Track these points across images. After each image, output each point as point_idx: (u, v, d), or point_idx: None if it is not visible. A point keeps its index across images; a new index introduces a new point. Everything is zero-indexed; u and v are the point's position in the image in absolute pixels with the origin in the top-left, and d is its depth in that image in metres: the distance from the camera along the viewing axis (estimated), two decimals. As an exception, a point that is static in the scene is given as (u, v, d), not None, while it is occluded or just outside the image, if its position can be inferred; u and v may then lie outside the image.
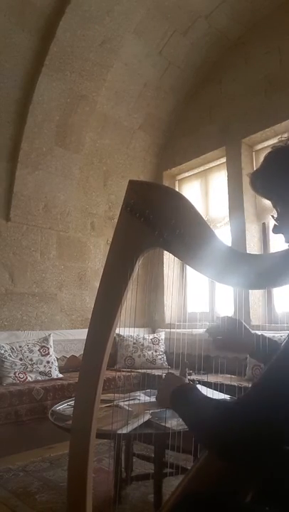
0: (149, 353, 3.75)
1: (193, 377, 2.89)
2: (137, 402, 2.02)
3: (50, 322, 3.78)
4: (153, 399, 2.13)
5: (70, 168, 3.88)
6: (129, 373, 3.43)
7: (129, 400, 2.05)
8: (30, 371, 3.10)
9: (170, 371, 1.08)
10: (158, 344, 3.82)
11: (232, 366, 3.05)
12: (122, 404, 1.95)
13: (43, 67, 3.32)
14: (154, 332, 4.20)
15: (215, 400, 0.91)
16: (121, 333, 3.77)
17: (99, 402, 1.07)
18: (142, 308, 4.38)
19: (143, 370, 3.54)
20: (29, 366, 3.10)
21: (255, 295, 3.56)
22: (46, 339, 3.35)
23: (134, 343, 3.76)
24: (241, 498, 0.88)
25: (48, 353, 3.26)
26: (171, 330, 4.04)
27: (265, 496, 0.89)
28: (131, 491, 2.09)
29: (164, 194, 1.09)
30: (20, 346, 3.17)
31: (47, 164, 3.70)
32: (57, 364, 3.33)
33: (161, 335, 3.92)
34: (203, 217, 1.05)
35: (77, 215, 4.07)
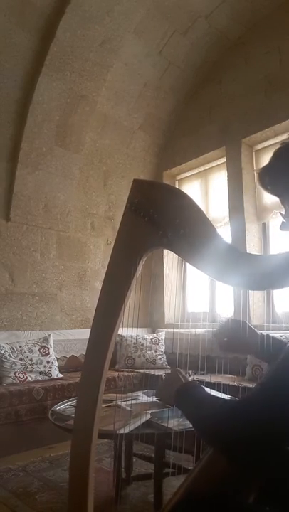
0: (149, 353, 3.75)
1: (194, 377, 2.89)
2: (137, 402, 2.02)
3: (50, 322, 3.78)
4: (153, 399, 2.13)
5: (70, 168, 3.88)
6: (129, 373, 3.43)
7: (129, 400, 2.05)
8: (30, 371, 3.10)
9: (176, 368, 1.08)
10: (158, 344, 3.81)
11: (232, 366, 3.05)
12: (122, 404, 1.95)
13: (43, 67, 3.32)
14: (154, 332, 4.20)
15: (219, 398, 0.91)
16: (121, 333, 3.77)
17: (101, 403, 1.07)
18: (142, 309, 4.38)
19: (143, 370, 3.54)
20: (29, 366, 3.10)
21: (255, 295, 3.57)
22: (46, 339, 3.35)
23: (134, 343, 3.76)
24: (244, 498, 0.88)
25: (48, 353, 3.26)
26: (172, 330, 4.04)
27: (266, 496, 0.89)
28: (131, 491, 2.09)
29: (169, 193, 1.09)
30: (20, 346, 3.17)
31: (47, 164, 3.70)
32: (57, 364, 3.33)
33: (161, 335, 3.92)
34: (206, 217, 1.05)
35: (77, 215, 4.07)
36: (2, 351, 3.05)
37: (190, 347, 3.11)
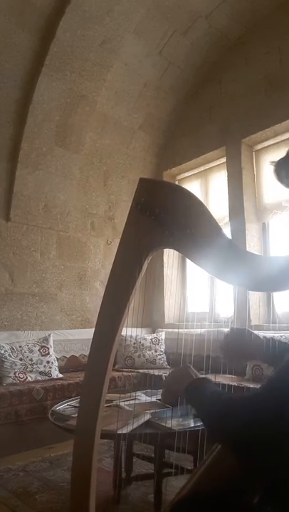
0: (149, 353, 3.75)
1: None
2: (137, 402, 2.02)
3: (50, 322, 3.78)
4: (152, 399, 2.13)
5: (70, 168, 3.88)
6: (129, 373, 3.43)
7: (129, 400, 2.05)
8: (30, 371, 3.10)
9: (187, 364, 1.08)
10: (158, 344, 3.81)
11: (232, 366, 3.05)
12: (122, 404, 1.95)
13: (43, 67, 3.32)
14: (154, 332, 4.20)
15: (229, 394, 0.90)
16: (121, 333, 3.76)
17: (104, 403, 1.06)
18: (142, 308, 4.37)
19: (143, 370, 3.54)
20: (29, 366, 3.10)
21: (256, 295, 3.56)
22: (46, 339, 3.35)
23: (134, 343, 3.76)
24: (249, 498, 0.88)
25: (48, 353, 3.26)
26: (171, 330, 4.04)
27: (268, 496, 0.89)
28: (131, 491, 2.09)
29: (175, 192, 1.08)
30: (20, 346, 3.17)
31: (47, 164, 3.70)
32: (57, 364, 3.33)
33: (161, 335, 3.92)
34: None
35: (77, 215, 4.07)
36: (2, 351, 3.05)
37: (190, 347, 3.11)
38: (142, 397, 2.14)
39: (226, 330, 1.25)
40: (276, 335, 2.75)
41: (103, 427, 1.56)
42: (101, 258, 4.24)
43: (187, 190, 1.08)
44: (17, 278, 3.61)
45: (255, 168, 3.84)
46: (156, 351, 3.77)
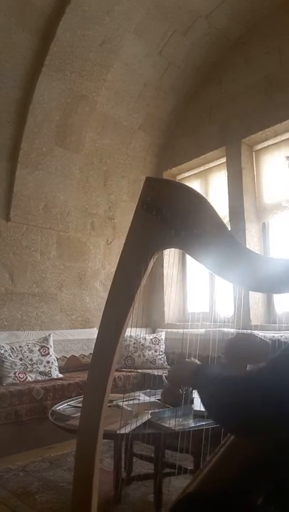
0: (149, 353, 3.75)
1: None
2: (137, 402, 2.02)
3: (50, 322, 3.78)
4: (153, 399, 2.13)
5: (70, 168, 3.88)
6: (129, 373, 3.43)
7: (129, 400, 2.05)
8: (30, 371, 3.10)
9: (192, 358, 1.07)
10: (158, 344, 3.82)
11: (233, 368, 3.04)
12: (122, 404, 1.95)
13: (43, 67, 3.32)
14: (154, 332, 4.21)
15: (236, 377, 0.89)
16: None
17: (107, 403, 1.06)
18: (142, 309, 4.38)
19: (143, 370, 3.54)
20: (29, 366, 3.10)
21: (255, 295, 3.56)
22: (46, 339, 3.35)
23: (134, 343, 3.76)
24: (252, 499, 0.87)
25: (48, 353, 3.26)
26: (171, 330, 4.04)
27: (272, 497, 0.89)
28: (131, 491, 2.09)
29: (182, 191, 1.07)
30: (20, 346, 3.17)
31: (47, 164, 3.70)
32: (57, 364, 3.33)
33: (161, 335, 3.92)
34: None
35: (77, 215, 4.07)
36: (2, 351, 3.05)
37: (190, 347, 3.10)
38: (142, 397, 2.14)
39: (227, 330, 1.25)
40: (276, 335, 2.75)
41: (103, 427, 1.56)
42: (101, 258, 4.24)
43: (194, 190, 1.07)
44: (17, 278, 3.61)
45: (255, 168, 3.84)
46: (156, 351, 3.77)
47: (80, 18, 3.21)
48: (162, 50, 3.80)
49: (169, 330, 4.05)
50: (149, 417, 1.75)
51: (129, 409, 1.87)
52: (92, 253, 4.19)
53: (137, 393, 2.22)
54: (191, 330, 3.58)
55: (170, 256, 4.30)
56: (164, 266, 4.37)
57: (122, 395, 2.14)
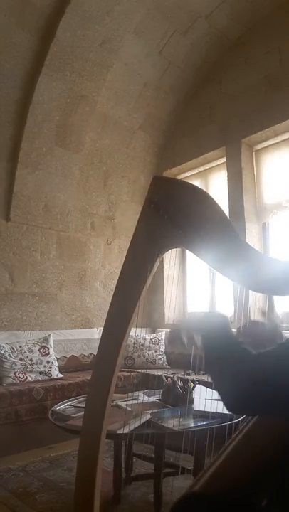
0: (149, 353, 3.75)
1: (193, 377, 2.89)
2: (137, 402, 2.02)
3: (50, 322, 3.78)
4: (153, 399, 2.13)
5: (70, 168, 3.88)
6: (129, 373, 3.43)
7: (129, 400, 2.05)
8: (30, 371, 3.10)
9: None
10: (158, 344, 3.81)
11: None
12: (122, 404, 1.95)
13: (43, 67, 3.31)
14: (154, 332, 4.20)
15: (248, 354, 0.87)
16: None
17: (110, 404, 1.05)
18: (142, 308, 4.37)
19: (143, 370, 3.54)
20: (29, 366, 3.10)
21: (256, 295, 3.56)
22: (46, 339, 3.35)
23: (134, 343, 3.76)
24: (256, 501, 0.87)
25: (48, 353, 3.26)
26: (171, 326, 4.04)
27: (276, 499, 0.88)
28: (131, 491, 2.09)
29: (190, 191, 1.06)
30: (20, 346, 3.17)
31: (47, 164, 3.70)
32: (57, 364, 3.33)
33: (161, 335, 3.92)
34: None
35: (77, 215, 4.07)
36: (2, 351, 3.05)
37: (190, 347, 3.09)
38: (142, 397, 2.14)
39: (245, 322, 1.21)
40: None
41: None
42: (101, 258, 4.24)
43: (202, 190, 1.06)
44: (17, 278, 3.61)
45: (255, 168, 3.84)
46: (156, 351, 3.77)
47: (80, 18, 3.21)
48: (162, 50, 3.79)
49: (169, 330, 4.05)
50: (149, 417, 1.75)
51: (129, 409, 1.87)
52: (92, 253, 4.19)
53: (137, 393, 2.22)
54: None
55: (170, 256, 4.30)
56: (164, 266, 4.37)
57: (122, 395, 2.14)
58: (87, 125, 3.85)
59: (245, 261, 0.97)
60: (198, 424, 1.72)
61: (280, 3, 3.53)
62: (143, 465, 2.30)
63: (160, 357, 3.75)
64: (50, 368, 3.21)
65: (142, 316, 4.37)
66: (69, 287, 3.97)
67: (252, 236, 3.68)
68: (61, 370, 3.38)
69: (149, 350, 3.76)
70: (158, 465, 1.89)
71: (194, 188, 1.10)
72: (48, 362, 3.21)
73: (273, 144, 3.70)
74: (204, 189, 4.29)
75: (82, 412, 1.88)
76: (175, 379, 2.09)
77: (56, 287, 3.88)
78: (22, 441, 2.69)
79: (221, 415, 1.76)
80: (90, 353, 3.80)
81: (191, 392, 1.99)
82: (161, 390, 2.14)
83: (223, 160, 3.99)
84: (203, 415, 1.79)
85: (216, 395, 2.12)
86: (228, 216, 3.93)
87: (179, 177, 4.60)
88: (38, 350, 3.22)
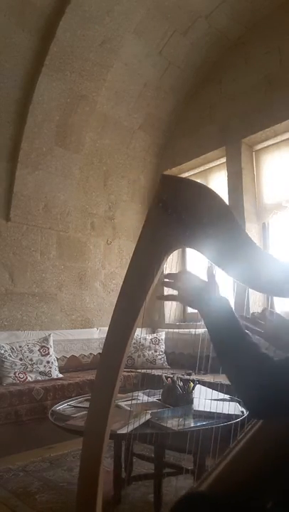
0: (149, 353, 3.75)
1: (194, 377, 2.89)
2: (137, 402, 2.02)
3: (50, 322, 3.78)
4: (153, 399, 2.13)
5: (70, 168, 3.88)
6: (129, 373, 3.43)
7: (129, 400, 2.05)
8: (30, 371, 3.10)
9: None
10: (158, 344, 3.81)
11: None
12: (122, 404, 1.95)
13: (43, 67, 3.31)
14: (154, 332, 4.20)
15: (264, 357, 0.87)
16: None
17: (114, 404, 1.05)
18: (142, 308, 4.37)
19: (143, 370, 3.54)
20: (29, 366, 3.10)
21: (256, 295, 3.56)
22: (46, 339, 3.35)
23: (134, 343, 3.76)
24: (262, 503, 0.87)
25: (48, 353, 3.26)
26: (172, 330, 4.04)
27: (281, 501, 0.88)
28: (131, 491, 2.09)
29: (199, 191, 1.05)
30: (20, 346, 3.17)
31: (47, 164, 3.70)
32: (57, 364, 3.33)
33: (161, 335, 3.92)
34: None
35: (77, 215, 4.07)
36: (2, 351, 3.05)
37: (190, 347, 3.10)
38: (142, 397, 2.13)
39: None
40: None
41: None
42: (101, 258, 4.24)
43: (211, 189, 1.05)
44: (17, 278, 3.61)
45: (255, 168, 3.84)
46: (156, 351, 3.77)
47: (80, 18, 3.21)
48: (162, 50, 3.79)
49: (169, 330, 4.05)
50: (149, 417, 1.75)
51: (129, 409, 1.87)
52: (92, 253, 4.19)
53: (137, 393, 2.22)
54: (191, 330, 3.58)
55: (171, 255, 4.29)
56: (165, 265, 4.36)
57: (122, 395, 2.14)
58: (87, 125, 3.85)
59: (255, 262, 0.96)
60: (198, 424, 1.71)
61: (280, 3, 3.53)
62: (143, 465, 2.30)
63: (160, 357, 3.75)
64: (50, 368, 3.21)
65: (142, 316, 4.36)
66: (69, 287, 3.97)
67: (252, 236, 3.64)
68: (61, 370, 3.38)
69: (149, 350, 3.76)
70: (158, 465, 1.89)
71: (203, 186, 1.08)
72: (48, 362, 3.21)
73: (273, 144, 3.70)
74: (204, 189, 4.31)
75: (83, 412, 1.89)
76: (175, 379, 2.09)
77: (56, 287, 3.88)
78: (22, 441, 2.69)
79: (221, 415, 1.76)
80: (90, 353, 3.81)
81: (191, 392, 1.99)
82: (161, 390, 2.14)
83: (223, 160, 3.99)
84: (203, 415, 1.79)
85: (216, 395, 2.12)
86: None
87: (179, 177, 4.61)
88: (38, 350, 3.22)
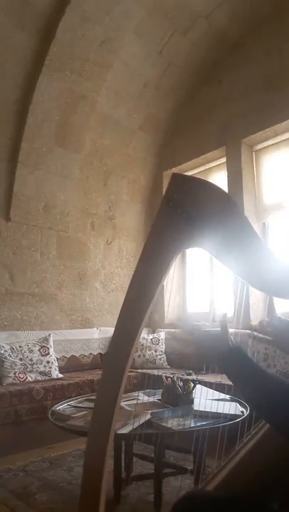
0: (149, 353, 3.75)
1: (194, 377, 2.89)
2: (137, 402, 2.02)
3: (50, 322, 3.78)
4: (153, 399, 2.13)
5: (70, 168, 3.88)
6: (129, 373, 3.43)
7: (129, 400, 2.05)
8: (30, 371, 3.10)
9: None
10: (158, 344, 3.82)
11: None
12: (122, 404, 1.95)
13: (43, 67, 3.31)
14: (154, 332, 4.20)
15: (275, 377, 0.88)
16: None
17: (120, 404, 1.04)
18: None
19: (143, 370, 3.54)
20: (29, 366, 3.10)
21: (256, 295, 3.56)
22: (46, 339, 3.35)
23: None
24: (269, 504, 0.87)
25: (48, 353, 3.26)
26: (172, 330, 4.04)
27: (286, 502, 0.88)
28: (131, 491, 2.09)
29: (209, 191, 1.04)
30: (20, 346, 3.17)
31: (47, 164, 3.70)
32: (57, 364, 3.33)
33: (161, 335, 3.92)
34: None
35: (77, 215, 4.07)
36: (2, 351, 3.05)
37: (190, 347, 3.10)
38: (142, 397, 2.14)
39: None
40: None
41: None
42: (101, 258, 4.24)
43: (222, 190, 1.04)
44: (17, 278, 3.61)
45: (255, 168, 3.84)
46: (156, 351, 3.77)
47: (80, 18, 3.21)
48: (162, 50, 3.79)
49: (169, 330, 4.05)
50: (149, 417, 1.75)
51: (129, 409, 1.87)
52: (92, 253, 4.19)
53: (137, 393, 2.22)
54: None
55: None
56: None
57: (122, 395, 2.14)
58: (87, 125, 3.85)
59: (264, 263, 0.95)
60: (198, 424, 1.72)
61: (280, 4, 3.52)
62: (143, 465, 2.30)
63: (160, 357, 3.75)
64: (50, 367, 3.21)
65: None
66: (69, 287, 3.97)
67: (252, 236, 3.67)
68: (61, 370, 3.38)
69: (149, 350, 3.76)
70: (158, 465, 1.89)
71: (213, 186, 1.07)
72: (48, 362, 3.21)
73: (273, 144, 3.70)
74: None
75: (83, 412, 1.89)
76: (175, 379, 2.09)
77: (56, 287, 3.88)
78: (22, 441, 2.69)
79: (221, 415, 1.76)
80: (90, 353, 3.81)
81: (191, 392, 1.99)
82: (161, 390, 2.14)
83: (223, 160, 3.99)
84: (203, 415, 1.79)
85: (216, 395, 2.12)
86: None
87: (179, 177, 4.60)
88: (38, 350, 3.22)
